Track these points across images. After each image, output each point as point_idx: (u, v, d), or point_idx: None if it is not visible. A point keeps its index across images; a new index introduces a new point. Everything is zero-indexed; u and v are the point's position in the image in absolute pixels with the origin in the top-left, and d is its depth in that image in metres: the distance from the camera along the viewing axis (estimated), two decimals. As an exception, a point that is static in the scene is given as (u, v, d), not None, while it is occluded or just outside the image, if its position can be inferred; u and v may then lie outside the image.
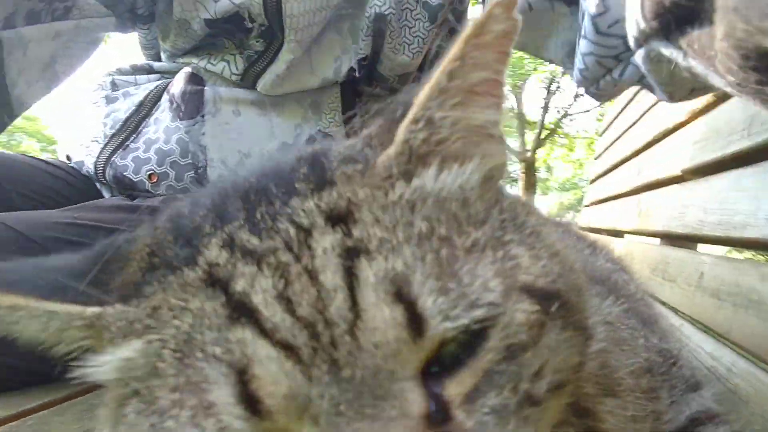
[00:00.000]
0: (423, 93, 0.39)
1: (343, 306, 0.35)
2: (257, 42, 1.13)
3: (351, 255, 0.36)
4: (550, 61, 0.88)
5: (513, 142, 10.87)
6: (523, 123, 11.68)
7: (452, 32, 1.24)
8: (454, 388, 0.36)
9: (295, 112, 1.21)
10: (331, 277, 0.35)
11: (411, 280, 0.35)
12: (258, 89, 1.16)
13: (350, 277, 0.35)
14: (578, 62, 0.70)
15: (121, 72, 1.26)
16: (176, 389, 0.36)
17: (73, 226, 0.95)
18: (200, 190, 0.47)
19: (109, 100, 1.20)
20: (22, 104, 0.96)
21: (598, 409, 0.48)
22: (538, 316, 0.38)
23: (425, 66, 1.28)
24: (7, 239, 0.89)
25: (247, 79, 1.16)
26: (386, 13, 1.16)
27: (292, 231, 0.37)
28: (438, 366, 0.36)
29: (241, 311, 0.35)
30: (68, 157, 1.22)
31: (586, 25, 0.65)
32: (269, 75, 1.14)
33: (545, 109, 11.58)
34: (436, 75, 0.38)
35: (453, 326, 0.35)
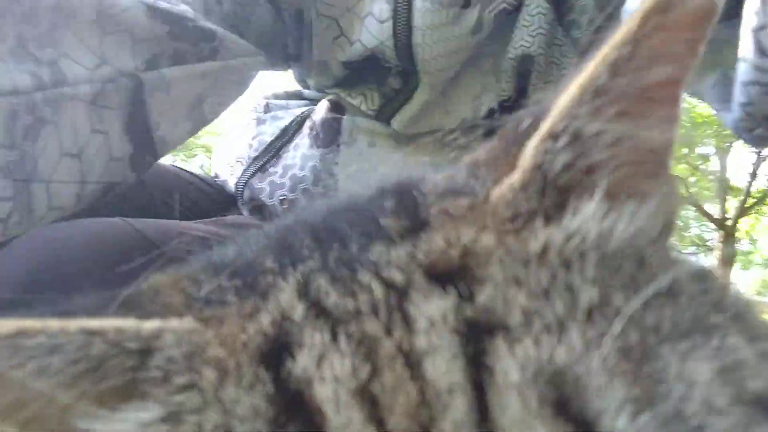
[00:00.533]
0: (566, 95, 0.26)
1: (466, 420, 0.21)
2: (395, 80, 1.10)
3: (477, 332, 0.22)
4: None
5: (711, 207, 9.90)
6: (725, 188, 10.57)
7: None
8: None
9: (425, 150, 1.16)
10: (446, 368, 0.21)
11: (584, 383, 0.21)
12: (393, 126, 1.12)
13: (478, 370, 0.21)
14: (739, 95, 0.54)
15: (276, 96, 1.30)
16: None
17: (198, 239, 0.97)
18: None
19: (259, 122, 1.23)
20: (166, 144, 0.95)
21: None
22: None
23: None
24: (131, 240, 0.88)
25: (383, 115, 1.13)
26: (534, 54, 1.06)
27: (379, 289, 0.24)
28: None
29: (294, 409, 0.22)
30: (216, 175, 1.27)
31: (747, 44, 0.50)
32: (404, 114, 1.10)
33: (753, 175, 10.38)
34: (590, 68, 0.25)
35: None
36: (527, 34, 1.06)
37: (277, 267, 0.26)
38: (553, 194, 0.26)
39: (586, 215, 0.26)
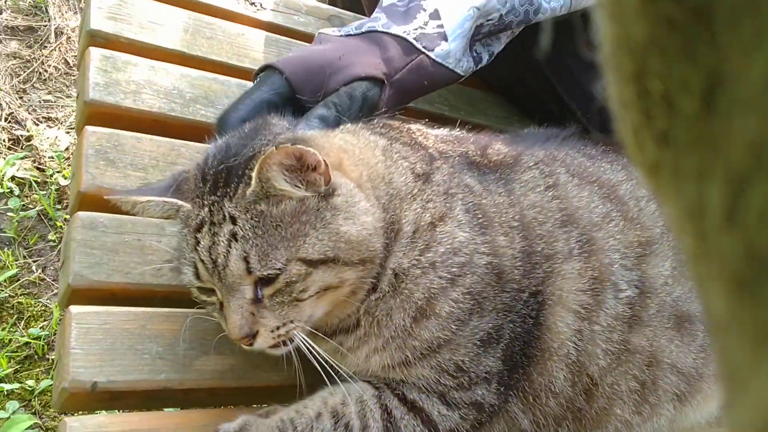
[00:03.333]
0: (255, 169, 0.94)
1: (223, 260, 0.94)
2: None
3: (232, 238, 0.94)
4: None
5: None
6: None
7: None
8: (266, 291, 0.95)
9: None
10: (222, 248, 0.94)
11: (249, 255, 0.92)
12: None
13: (228, 249, 0.93)
14: None
15: None
16: (182, 253, 1.04)
17: None
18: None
19: None
20: None
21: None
22: (304, 271, 0.93)
23: None
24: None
25: None
26: None
27: (218, 219, 0.96)
28: (262, 282, 0.94)
29: (196, 246, 0.98)
30: None
31: None
32: None
33: None
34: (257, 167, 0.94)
35: (260, 275, 0.93)
36: None
37: (213, 183, 1.02)
38: (260, 194, 0.95)
39: (266, 205, 0.95)
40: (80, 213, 1.19)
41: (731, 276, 0.19)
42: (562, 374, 1.10)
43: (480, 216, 1.08)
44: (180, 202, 1.02)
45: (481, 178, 1.14)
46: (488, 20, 1.41)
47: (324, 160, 0.93)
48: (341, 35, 1.33)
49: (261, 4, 1.72)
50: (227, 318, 0.96)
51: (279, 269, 0.92)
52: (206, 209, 0.97)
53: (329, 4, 1.99)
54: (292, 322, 0.97)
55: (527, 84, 1.66)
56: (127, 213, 1.14)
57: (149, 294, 1.19)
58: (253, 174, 0.92)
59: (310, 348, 0.99)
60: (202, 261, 0.96)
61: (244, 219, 0.93)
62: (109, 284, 1.15)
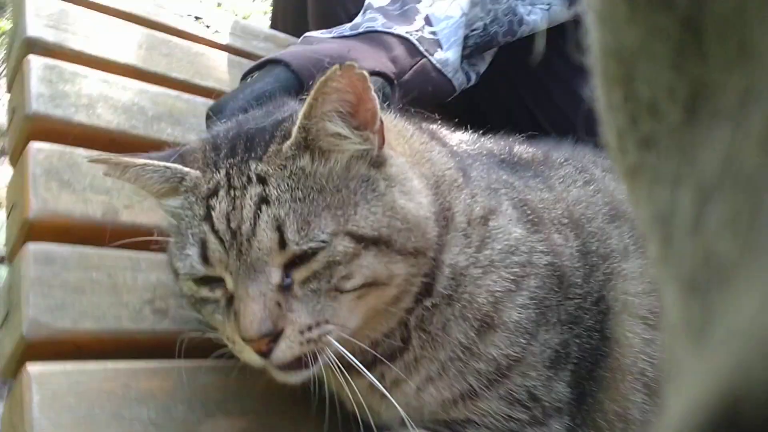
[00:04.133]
0: (302, 110, 0.76)
1: (249, 227, 0.73)
2: None
3: (261, 202, 0.74)
4: None
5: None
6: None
7: None
8: (297, 275, 0.74)
9: None
10: (248, 212, 0.74)
11: (285, 223, 0.73)
12: None
13: (256, 214, 0.74)
14: None
15: None
16: (180, 243, 0.81)
17: None
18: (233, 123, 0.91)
19: None
20: None
21: None
22: (352, 249, 0.74)
23: None
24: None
25: None
26: None
27: (242, 182, 0.77)
28: (293, 264, 0.74)
29: (208, 217, 0.77)
30: None
31: None
32: None
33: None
34: (306, 103, 0.76)
35: (301, 248, 0.73)
36: None
37: (229, 152, 0.81)
38: (299, 149, 0.77)
39: (308, 161, 0.76)
40: (31, 244, 0.92)
41: (687, 279, 0.20)
42: (639, 396, 0.94)
43: (529, 212, 0.94)
44: (186, 169, 0.81)
45: (517, 174, 1.01)
46: (473, 30, 1.34)
47: (381, 117, 0.78)
48: (335, 36, 1.19)
49: (217, 29, 1.55)
50: (242, 309, 0.73)
51: (322, 242, 0.72)
52: (222, 172, 0.78)
53: (270, 27, 1.87)
54: (327, 322, 0.75)
55: (499, 99, 1.58)
56: (96, 243, 0.90)
57: (130, 343, 0.92)
58: (301, 112, 0.75)
59: (344, 371, 0.78)
60: (215, 232, 0.75)
61: (279, 178, 0.75)
62: (76, 333, 0.87)
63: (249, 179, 0.76)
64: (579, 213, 0.98)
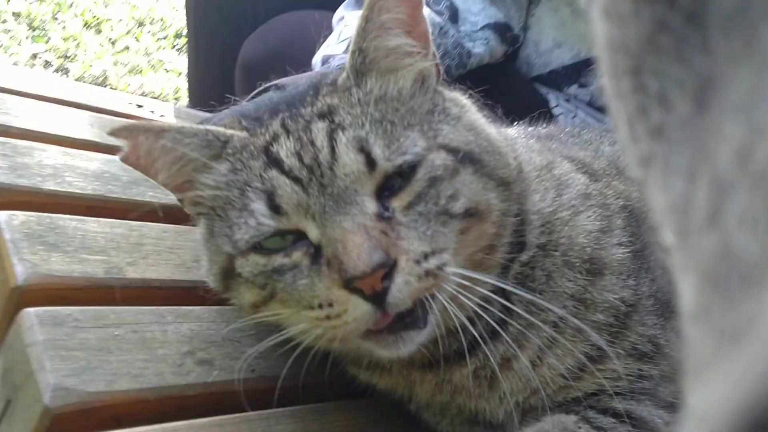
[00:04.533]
0: (354, 32, 0.68)
1: (326, 154, 0.64)
2: None
3: (333, 131, 0.65)
4: None
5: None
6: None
7: None
8: (396, 203, 0.64)
9: None
10: (320, 141, 0.65)
11: (368, 141, 0.64)
12: None
13: (331, 140, 0.64)
14: None
15: None
16: (238, 209, 0.68)
17: None
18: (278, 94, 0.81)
19: None
20: None
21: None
22: (450, 162, 0.66)
23: None
24: None
25: None
26: None
27: (303, 122, 0.68)
28: (387, 192, 0.64)
29: (273, 162, 0.66)
30: None
31: None
32: None
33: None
34: (359, 20, 0.68)
35: (393, 164, 0.64)
36: None
37: (272, 114, 0.71)
38: (357, 75, 0.69)
39: (372, 84, 0.69)
40: (29, 309, 0.73)
41: (705, 272, 0.20)
42: None
43: (580, 165, 0.90)
44: (229, 131, 0.71)
45: (545, 141, 0.99)
46: None
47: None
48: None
49: (162, 114, 1.46)
50: (341, 248, 0.61)
51: (417, 155, 0.65)
52: (276, 124, 0.70)
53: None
54: (443, 251, 0.64)
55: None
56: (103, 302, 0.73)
57: (180, 401, 0.72)
58: (353, 34, 0.69)
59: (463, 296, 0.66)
60: (287, 173, 0.65)
61: (346, 106, 0.68)
62: (114, 395, 0.67)
63: (310, 119, 0.68)
64: (622, 164, 0.96)
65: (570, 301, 0.76)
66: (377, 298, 0.61)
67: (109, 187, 1.02)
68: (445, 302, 0.64)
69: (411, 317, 0.64)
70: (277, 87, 0.97)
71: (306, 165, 0.65)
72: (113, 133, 0.71)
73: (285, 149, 0.66)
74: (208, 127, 0.71)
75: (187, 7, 1.97)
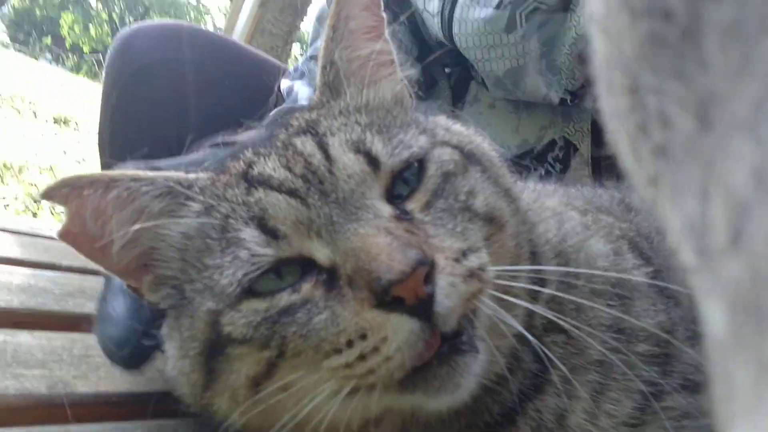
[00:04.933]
0: (322, 44, 0.62)
1: (320, 158, 0.54)
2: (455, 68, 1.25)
3: (321, 138, 0.56)
4: None
5: None
6: None
7: None
8: (412, 204, 0.54)
9: (543, 116, 1.17)
10: (310, 149, 0.54)
11: (364, 140, 0.55)
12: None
13: (322, 146, 0.55)
14: None
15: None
16: (220, 250, 0.54)
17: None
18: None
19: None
20: None
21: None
22: (458, 158, 0.57)
23: None
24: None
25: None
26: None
27: (280, 143, 0.57)
28: (399, 198, 0.54)
29: (257, 182, 0.54)
30: None
31: None
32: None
33: None
34: (326, 30, 0.62)
35: (398, 159, 0.54)
36: (582, 22, 1.08)
37: (234, 156, 0.58)
38: (331, 90, 0.61)
39: (352, 94, 0.61)
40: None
41: (734, 298, 0.18)
42: None
43: (565, 201, 0.87)
44: (190, 175, 0.58)
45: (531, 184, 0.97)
46: None
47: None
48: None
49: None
50: (365, 255, 0.48)
51: (422, 149, 0.56)
52: (248, 154, 0.58)
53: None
54: (479, 249, 0.53)
55: None
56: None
57: None
58: (321, 47, 0.63)
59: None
60: (277, 188, 0.53)
61: (329, 118, 0.59)
62: None
63: (288, 139, 0.57)
64: (600, 203, 0.93)
65: (608, 334, 0.67)
66: (423, 310, 0.47)
67: (39, 299, 0.85)
68: (489, 316, 0.53)
69: (460, 338, 0.51)
70: (225, 143, 0.86)
71: (299, 174, 0.53)
72: (48, 193, 0.53)
73: (269, 166, 0.55)
74: (165, 173, 0.58)
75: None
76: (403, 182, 0.56)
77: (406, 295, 0.47)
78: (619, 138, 0.24)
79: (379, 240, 0.49)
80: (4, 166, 3.48)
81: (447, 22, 1.12)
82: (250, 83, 1.20)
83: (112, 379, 0.72)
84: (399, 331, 0.47)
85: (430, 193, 0.55)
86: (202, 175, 0.59)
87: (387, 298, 0.47)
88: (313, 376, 0.51)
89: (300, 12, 5.34)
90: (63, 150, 4.20)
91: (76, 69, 17.13)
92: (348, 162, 0.53)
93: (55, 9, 27.73)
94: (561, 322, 0.60)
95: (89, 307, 0.90)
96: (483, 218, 0.57)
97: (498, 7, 1.06)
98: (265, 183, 0.54)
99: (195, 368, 0.57)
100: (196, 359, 0.56)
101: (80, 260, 1.07)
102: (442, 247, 0.50)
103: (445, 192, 0.55)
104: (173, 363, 0.60)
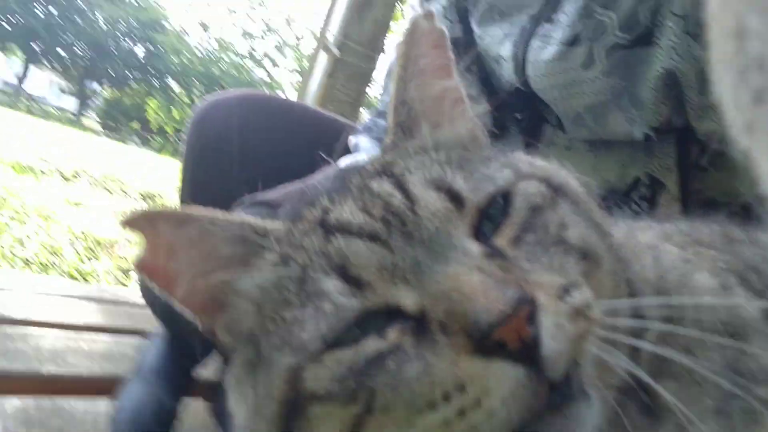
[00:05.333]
0: (393, 84, 0.60)
1: (400, 198, 0.50)
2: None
3: (398, 179, 0.52)
4: None
5: None
6: None
7: None
8: (499, 240, 0.49)
9: (623, 154, 1.10)
10: (388, 190, 0.51)
11: (444, 178, 0.52)
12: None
13: (400, 186, 0.51)
14: None
15: None
16: (299, 303, 0.50)
17: None
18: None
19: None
20: None
21: None
22: (546, 191, 0.53)
23: None
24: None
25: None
26: (677, 69, 1.01)
27: (356, 189, 0.53)
28: (484, 236, 0.49)
29: (335, 229, 0.51)
30: None
31: None
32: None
33: None
34: (397, 71, 0.60)
35: (483, 194, 0.51)
36: (668, 57, 1.03)
37: (322, 197, 0.55)
38: (404, 130, 0.59)
39: (425, 133, 0.58)
40: None
41: None
42: None
43: (661, 235, 0.81)
44: (267, 222, 0.58)
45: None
46: None
47: None
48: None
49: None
50: (458, 292, 0.45)
51: (508, 182, 0.53)
52: (324, 201, 0.57)
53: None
54: (581, 285, 0.48)
55: None
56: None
57: None
58: (392, 89, 0.64)
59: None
60: (358, 234, 0.50)
61: (405, 158, 0.57)
62: None
63: (364, 183, 0.55)
64: (698, 236, 0.86)
65: (725, 376, 0.58)
66: (527, 354, 0.41)
67: (121, 366, 0.85)
68: (599, 361, 0.46)
69: (570, 385, 0.45)
70: (269, 205, 0.84)
71: (378, 217, 0.51)
72: (128, 222, 0.53)
73: (347, 211, 0.53)
74: (243, 217, 0.57)
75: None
76: (488, 220, 0.53)
77: (509, 338, 0.42)
78: (723, 86, 0.24)
79: (472, 279, 0.45)
80: (97, 242, 3.68)
81: (521, 65, 1.10)
82: (319, 141, 1.21)
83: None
84: (502, 380, 0.42)
85: (517, 227, 0.51)
86: (275, 224, 0.57)
87: (487, 344, 0.42)
88: (413, 394, 0.46)
89: (366, 78, 5.51)
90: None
91: (161, 149, 18.24)
92: (430, 200, 0.50)
93: (142, 96, 29.93)
94: (675, 360, 0.53)
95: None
96: (578, 253, 0.52)
97: (572, 44, 1.02)
98: (344, 229, 0.51)
99: (271, 429, 0.53)
100: (273, 421, 0.53)
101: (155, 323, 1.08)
102: (541, 284, 0.45)
103: (534, 226, 0.52)
104: (244, 418, 0.57)
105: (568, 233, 0.53)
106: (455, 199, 0.51)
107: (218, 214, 0.56)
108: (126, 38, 31.06)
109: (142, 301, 1.33)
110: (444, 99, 0.63)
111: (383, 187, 0.53)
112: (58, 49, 30.82)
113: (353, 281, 0.49)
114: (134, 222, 0.53)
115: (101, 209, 4.89)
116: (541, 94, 1.08)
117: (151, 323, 1.11)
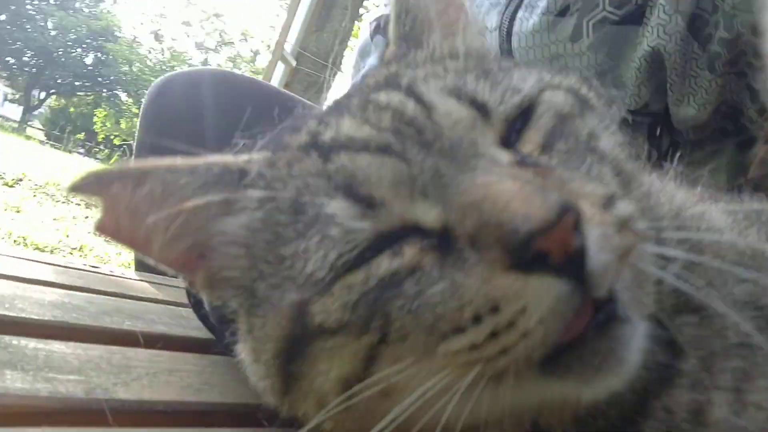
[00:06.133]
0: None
1: (414, 106, 0.45)
2: None
3: (408, 88, 0.47)
4: None
5: None
6: None
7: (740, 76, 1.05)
8: (526, 147, 0.46)
9: None
10: (398, 99, 0.46)
11: (464, 86, 0.47)
12: None
13: (413, 94, 0.46)
14: None
15: None
16: (297, 236, 0.45)
17: None
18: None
19: None
20: None
21: None
22: (573, 101, 0.49)
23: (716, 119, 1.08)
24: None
25: None
26: (664, 51, 0.97)
27: (354, 105, 0.48)
28: (512, 142, 0.46)
29: (334, 148, 0.45)
30: None
31: None
32: None
33: None
34: None
35: (510, 105, 0.46)
36: (656, 35, 0.99)
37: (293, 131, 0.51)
38: (408, 41, 0.57)
39: (435, 43, 0.55)
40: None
41: None
42: None
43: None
44: (243, 158, 0.52)
45: None
46: None
47: None
48: None
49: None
50: (491, 201, 0.39)
51: (534, 90, 0.49)
52: (312, 123, 0.52)
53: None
54: (624, 196, 0.44)
55: None
56: None
57: None
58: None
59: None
60: (365, 147, 0.44)
61: (412, 67, 0.53)
62: None
63: (364, 98, 0.49)
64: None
65: (746, 311, 0.56)
66: (572, 268, 0.37)
67: (74, 315, 0.77)
68: (643, 279, 0.43)
69: (615, 304, 0.39)
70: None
71: (388, 128, 0.45)
72: (75, 187, 0.47)
73: (347, 127, 0.47)
74: (208, 159, 0.50)
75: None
76: (516, 133, 0.48)
77: (553, 248, 0.36)
78: None
79: (506, 186, 0.39)
80: (37, 247, 3.51)
81: (506, 37, 1.07)
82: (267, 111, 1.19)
83: (157, 388, 0.63)
84: (544, 297, 0.37)
85: (543, 133, 0.47)
86: (256, 156, 0.51)
87: (526, 256, 0.37)
88: (424, 365, 0.41)
89: (322, 88, 5.47)
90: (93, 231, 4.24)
91: (108, 159, 17.74)
92: (452, 107, 0.45)
93: (89, 106, 29.04)
94: (695, 296, 0.50)
95: (128, 324, 0.82)
96: (612, 166, 0.48)
97: (562, 14, 1.00)
98: (346, 146, 0.45)
99: (271, 372, 0.48)
100: (272, 362, 0.47)
101: (117, 287, 1.00)
102: (584, 193, 0.40)
103: (562, 133, 0.47)
104: (248, 369, 0.51)
105: (600, 144, 0.48)
106: (480, 108, 0.46)
107: (179, 162, 0.49)
108: (77, 47, 30.26)
109: (97, 267, 1.25)
110: (450, 6, 0.60)
111: (391, 97, 0.47)
112: (6, 57, 29.74)
113: (363, 200, 0.43)
114: (84, 186, 0.47)
115: (42, 215, 4.71)
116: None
117: (104, 284, 1.04)
